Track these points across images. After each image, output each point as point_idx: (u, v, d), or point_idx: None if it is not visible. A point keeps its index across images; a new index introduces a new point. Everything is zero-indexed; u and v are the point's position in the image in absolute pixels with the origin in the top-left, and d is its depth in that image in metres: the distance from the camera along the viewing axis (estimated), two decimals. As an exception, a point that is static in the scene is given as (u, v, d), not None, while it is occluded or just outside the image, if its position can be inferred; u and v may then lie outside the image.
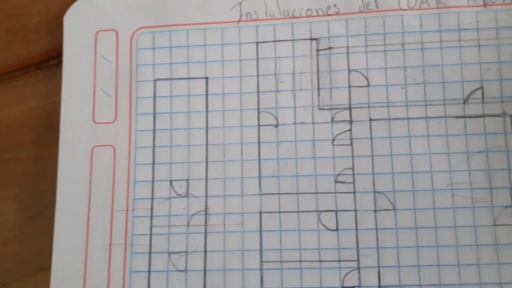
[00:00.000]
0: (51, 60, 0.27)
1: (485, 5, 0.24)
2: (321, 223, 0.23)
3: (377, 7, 0.24)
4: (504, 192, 0.23)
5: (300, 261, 0.23)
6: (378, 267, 0.23)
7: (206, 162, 0.24)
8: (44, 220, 0.26)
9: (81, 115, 0.25)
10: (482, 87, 0.23)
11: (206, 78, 0.25)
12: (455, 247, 0.23)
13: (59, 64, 0.27)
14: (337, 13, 0.24)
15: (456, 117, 0.23)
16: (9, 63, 0.28)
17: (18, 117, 0.27)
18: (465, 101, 0.23)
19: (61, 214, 0.24)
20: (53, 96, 0.27)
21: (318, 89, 0.24)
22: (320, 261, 0.23)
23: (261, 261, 0.23)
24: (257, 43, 0.25)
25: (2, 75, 0.28)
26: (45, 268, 0.26)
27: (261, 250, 0.23)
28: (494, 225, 0.23)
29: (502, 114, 0.23)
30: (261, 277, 0.23)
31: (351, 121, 0.24)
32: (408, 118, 0.24)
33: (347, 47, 0.24)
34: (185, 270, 0.23)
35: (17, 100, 0.27)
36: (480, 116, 0.23)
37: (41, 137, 0.27)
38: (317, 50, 0.24)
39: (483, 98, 0.23)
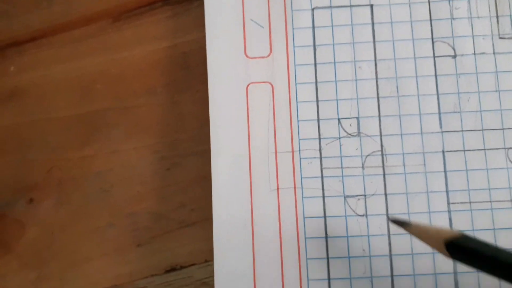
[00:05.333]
0: (182, -6, 0.25)
1: None
2: (510, 160, 0.21)
3: None
4: None
5: (491, 201, 0.21)
6: None
7: (378, 97, 0.22)
8: (184, 171, 0.23)
9: (231, 50, 0.22)
10: None
11: (371, 6, 0.22)
12: None
13: (192, -2, 0.24)
14: None
15: None
16: (134, -3, 0.25)
17: (148, 58, 0.24)
18: None
19: (217, 159, 0.22)
20: (186, 34, 0.24)
21: (497, 16, 0.22)
22: (513, 200, 0.21)
23: (448, 203, 0.21)
24: (427, -34, 0.23)
25: (126, 12, 0.25)
26: (188, 224, 0.23)
27: (447, 191, 0.21)
28: None
29: None
30: (450, 219, 0.21)
31: (536, 50, 0.22)
32: None
33: (529, -32, 0.22)
34: (365, 215, 0.21)
35: (144, 39, 0.24)
36: None
37: (176, 81, 0.24)
38: (496, -27, 0.22)
39: None
